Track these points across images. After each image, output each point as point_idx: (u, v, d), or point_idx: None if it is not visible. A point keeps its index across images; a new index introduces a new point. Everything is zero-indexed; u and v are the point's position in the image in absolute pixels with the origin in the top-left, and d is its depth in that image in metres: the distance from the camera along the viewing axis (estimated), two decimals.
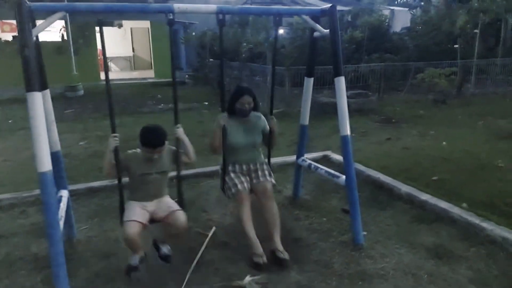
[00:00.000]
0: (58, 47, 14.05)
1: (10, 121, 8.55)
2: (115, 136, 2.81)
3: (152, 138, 2.77)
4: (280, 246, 3.01)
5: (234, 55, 12.05)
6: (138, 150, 2.88)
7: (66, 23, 13.18)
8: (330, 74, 10.36)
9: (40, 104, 2.40)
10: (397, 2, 22.91)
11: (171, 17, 2.83)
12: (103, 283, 2.79)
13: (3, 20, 16.90)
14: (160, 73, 16.05)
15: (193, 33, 14.21)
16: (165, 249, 3.03)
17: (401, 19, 16.78)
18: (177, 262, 3.05)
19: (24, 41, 2.37)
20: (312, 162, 3.86)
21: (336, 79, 3.18)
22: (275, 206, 3.20)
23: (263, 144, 3.49)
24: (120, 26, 19.93)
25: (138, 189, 2.94)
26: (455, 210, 3.62)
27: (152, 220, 2.93)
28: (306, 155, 5.37)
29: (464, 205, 3.74)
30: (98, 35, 16.47)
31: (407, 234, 3.41)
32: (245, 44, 11.22)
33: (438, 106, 9.33)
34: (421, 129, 7.15)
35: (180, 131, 3.01)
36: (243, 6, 3.22)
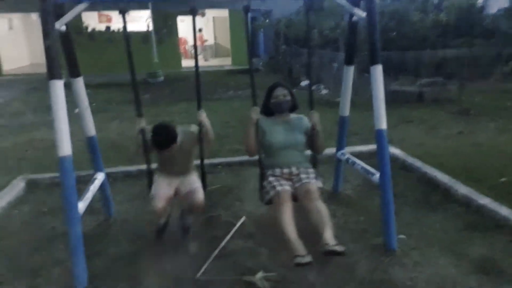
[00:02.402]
0: (143, 36, 14.95)
1: (93, 104, 9.24)
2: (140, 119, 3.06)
3: (160, 141, 2.89)
4: (331, 241, 2.53)
5: (306, 41, 11.74)
6: None
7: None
8: (412, 60, 9.64)
9: (61, 91, 2.50)
10: None
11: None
12: (125, 265, 2.89)
13: (100, 12, 18.39)
14: (236, 61, 16.32)
15: (267, 20, 14.11)
16: (187, 221, 3.23)
17: None
18: (199, 249, 3.06)
19: (47, 31, 2.46)
20: (351, 156, 3.59)
21: (372, 68, 2.89)
22: (323, 206, 2.75)
23: (309, 148, 3.19)
24: (203, 14, 20.61)
25: (164, 166, 3.19)
26: None
27: (176, 194, 3.15)
28: (361, 147, 5.12)
29: None
30: (179, 25, 17.35)
31: (453, 243, 3.02)
32: (315, 30, 10.85)
33: None
34: (502, 123, 6.34)
35: (203, 116, 3.10)
36: None
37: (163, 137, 2.87)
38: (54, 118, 2.50)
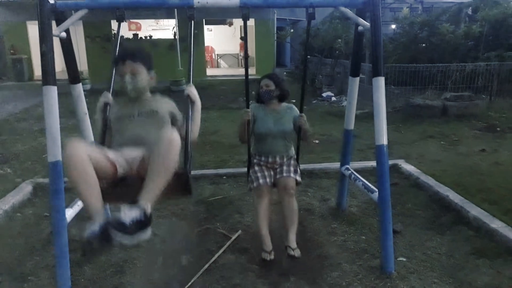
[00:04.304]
0: (169, 44, 15.22)
1: None
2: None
3: (124, 50, 2.43)
4: (293, 244, 2.91)
5: (331, 51, 11.60)
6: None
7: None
8: (440, 73, 9.32)
9: (54, 97, 2.51)
10: None
11: (191, 12, 2.74)
12: (113, 274, 2.84)
13: (131, 20, 18.89)
14: (260, 70, 16.27)
15: (291, 30, 14.04)
16: (128, 214, 1.85)
17: None
18: (190, 263, 2.99)
19: (43, 37, 2.48)
20: (354, 172, 3.44)
21: (374, 79, 2.76)
22: (295, 203, 3.06)
23: (297, 138, 3.36)
24: (230, 24, 20.81)
25: (117, 140, 2.37)
26: None
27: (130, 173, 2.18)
28: (374, 163, 4.93)
29: None
30: (206, 33, 17.55)
31: (457, 268, 2.83)
32: (339, 40, 10.68)
33: None
34: None
35: (192, 90, 2.43)
36: None
37: (131, 49, 2.42)
38: (46, 124, 2.49)
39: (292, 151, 3.36)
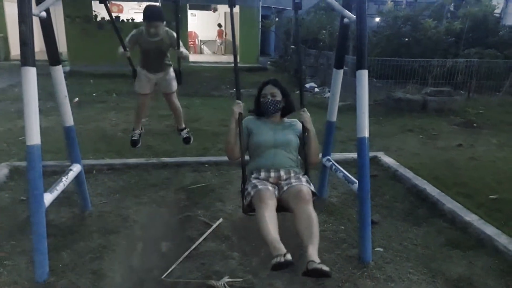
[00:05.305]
0: None
1: (94, 94, 9.29)
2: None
3: (149, 14, 3.48)
4: (316, 258, 2.21)
5: (315, 42, 11.62)
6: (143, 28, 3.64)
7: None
8: (421, 68, 9.46)
9: (33, 79, 2.44)
10: None
11: None
12: (92, 259, 2.82)
13: (112, 2, 18.43)
14: (244, 58, 16.20)
15: (276, 19, 13.99)
16: (184, 133, 4.31)
17: None
18: (170, 250, 2.99)
19: (23, 16, 2.40)
20: (334, 163, 3.49)
21: (357, 72, 2.78)
22: (313, 212, 2.44)
23: (301, 156, 2.89)
24: (215, 10, 20.57)
25: (145, 61, 3.80)
26: (502, 238, 3.01)
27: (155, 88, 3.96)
28: (355, 154, 5.00)
29: None
30: (190, 18, 17.31)
31: (431, 259, 2.91)
32: (324, 31, 10.70)
33: None
34: (504, 138, 6.16)
35: (184, 52, 3.74)
36: None
37: (154, 9, 3.54)
38: (25, 106, 2.43)
39: (300, 169, 2.86)
